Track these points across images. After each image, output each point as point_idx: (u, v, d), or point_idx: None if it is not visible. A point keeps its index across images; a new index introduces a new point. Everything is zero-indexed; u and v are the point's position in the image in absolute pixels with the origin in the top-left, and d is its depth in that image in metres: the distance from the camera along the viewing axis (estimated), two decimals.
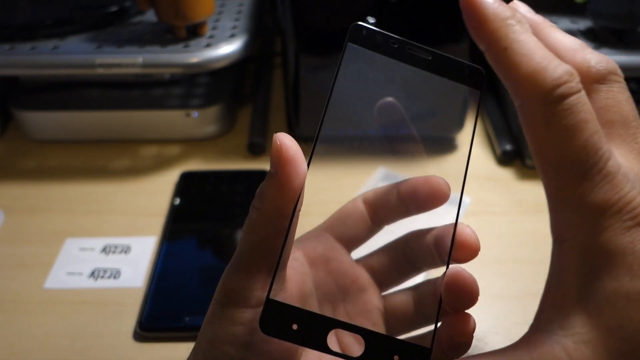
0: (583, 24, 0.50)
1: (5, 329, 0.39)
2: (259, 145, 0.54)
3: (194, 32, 0.50)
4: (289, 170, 0.21)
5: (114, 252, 0.45)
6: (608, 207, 0.19)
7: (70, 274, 0.43)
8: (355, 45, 0.25)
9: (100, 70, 0.47)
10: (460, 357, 0.22)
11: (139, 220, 0.48)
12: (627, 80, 0.23)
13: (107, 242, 0.45)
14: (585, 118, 0.20)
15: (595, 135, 0.20)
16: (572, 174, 0.20)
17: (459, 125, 0.53)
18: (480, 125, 0.58)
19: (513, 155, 0.53)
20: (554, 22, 0.50)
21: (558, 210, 0.21)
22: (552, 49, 0.22)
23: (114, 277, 0.43)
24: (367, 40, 0.25)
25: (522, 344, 0.21)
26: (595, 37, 0.48)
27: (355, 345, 0.24)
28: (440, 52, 0.25)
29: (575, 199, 0.20)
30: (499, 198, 0.50)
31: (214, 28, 0.51)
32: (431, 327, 0.24)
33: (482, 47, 0.22)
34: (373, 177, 0.51)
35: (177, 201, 0.48)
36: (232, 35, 0.50)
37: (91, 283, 0.42)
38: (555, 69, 0.20)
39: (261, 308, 0.21)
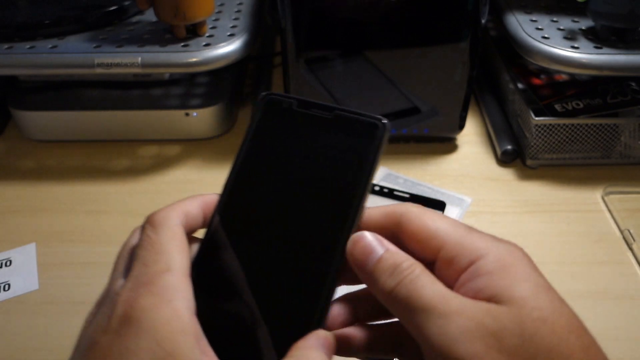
0: (584, 23, 0.50)
1: (5, 329, 0.39)
2: None
3: (194, 31, 0.50)
4: None
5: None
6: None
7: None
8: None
9: (99, 70, 0.47)
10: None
11: (138, 220, 0.47)
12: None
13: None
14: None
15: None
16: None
17: (459, 125, 0.53)
18: (481, 125, 0.58)
19: (513, 155, 0.53)
20: (555, 22, 0.50)
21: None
22: None
23: None
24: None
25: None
26: (596, 37, 0.48)
27: None
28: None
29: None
30: (499, 198, 0.50)
31: (214, 27, 0.51)
32: None
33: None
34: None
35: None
36: (232, 35, 0.50)
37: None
38: None
39: None
